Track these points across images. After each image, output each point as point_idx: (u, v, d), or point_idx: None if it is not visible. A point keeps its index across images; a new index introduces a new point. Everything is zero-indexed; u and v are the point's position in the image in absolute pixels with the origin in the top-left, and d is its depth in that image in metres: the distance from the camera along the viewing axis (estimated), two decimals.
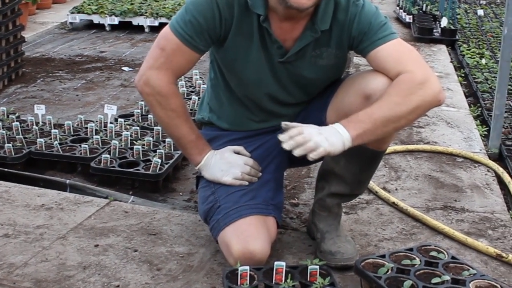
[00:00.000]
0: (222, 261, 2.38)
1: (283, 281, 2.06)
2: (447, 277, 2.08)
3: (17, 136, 3.45)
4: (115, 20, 6.92)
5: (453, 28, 6.44)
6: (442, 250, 2.27)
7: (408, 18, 6.93)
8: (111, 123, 3.63)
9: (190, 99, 4.04)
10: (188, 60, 2.30)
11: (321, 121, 2.29)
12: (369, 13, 2.25)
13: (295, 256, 2.46)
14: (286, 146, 2.11)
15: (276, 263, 2.08)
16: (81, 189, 3.08)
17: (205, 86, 4.21)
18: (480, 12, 7.74)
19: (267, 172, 2.44)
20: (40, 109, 3.76)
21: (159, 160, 3.12)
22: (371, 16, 2.25)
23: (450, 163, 3.47)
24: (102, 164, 3.16)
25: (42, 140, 3.37)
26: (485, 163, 3.45)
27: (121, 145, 3.34)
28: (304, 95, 2.43)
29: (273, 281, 2.07)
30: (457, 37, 6.38)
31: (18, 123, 3.60)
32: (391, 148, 3.53)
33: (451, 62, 5.69)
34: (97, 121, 3.70)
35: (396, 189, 3.11)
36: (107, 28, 6.94)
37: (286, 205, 2.87)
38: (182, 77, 4.29)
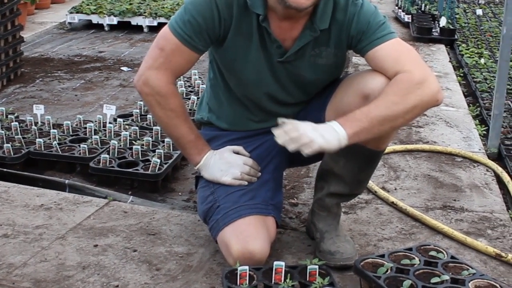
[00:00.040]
0: (221, 261, 2.37)
1: (283, 281, 2.06)
2: (446, 277, 2.08)
3: (16, 136, 3.45)
4: (114, 20, 6.92)
5: (452, 27, 6.44)
6: (441, 250, 2.27)
7: (407, 18, 6.94)
8: (110, 123, 3.62)
9: (189, 99, 4.04)
10: (187, 60, 2.30)
11: (320, 121, 2.28)
12: (368, 12, 2.25)
13: (295, 256, 2.46)
14: (279, 140, 2.10)
15: (275, 263, 2.08)
16: (80, 189, 3.07)
17: (204, 86, 4.21)
18: (479, 11, 7.75)
19: (266, 172, 2.44)
20: (39, 109, 3.76)
21: (158, 160, 3.12)
22: (370, 15, 2.24)
23: (449, 163, 3.47)
24: (101, 164, 3.16)
25: (41, 140, 3.36)
26: (484, 162, 3.45)
27: (120, 145, 3.34)
28: (304, 95, 2.43)
29: (273, 281, 2.07)
30: (456, 37, 6.38)
31: (17, 123, 3.60)
32: (390, 147, 3.53)
33: (450, 61, 5.70)
34: (96, 121, 3.70)
35: (395, 189, 3.11)
36: (106, 28, 6.95)
37: (285, 205, 2.87)
38: (181, 77, 4.30)
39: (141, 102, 3.94)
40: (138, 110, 3.88)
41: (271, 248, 2.31)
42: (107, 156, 3.18)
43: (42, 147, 3.34)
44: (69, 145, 3.41)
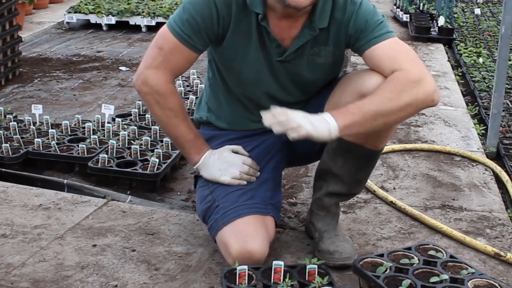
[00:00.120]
0: (220, 260, 2.37)
1: (282, 280, 2.06)
2: (445, 276, 2.08)
3: (14, 136, 3.44)
4: (112, 20, 6.92)
5: (450, 27, 6.44)
6: (440, 249, 2.26)
7: (405, 17, 6.94)
8: (108, 122, 3.62)
9: (188, 98, 4.04)
10: (186, 59, 2.30)
11: None
12: (366, 11, 2.25)
13: (294, 255, 2.46)
14: (266, 122, 2.09)
15: (274, 262, 2.08)
16: (78, 189, 3.07)
17: (202, 85, 4.21)
18: (477, 11, 7.75)
19: (265, 171, 2.43)
20: (37, 109, 3.75)
21: (157, 160, 3.12)
22: (368, 14, 2.24)
23: (448, 162, 3.47)
24: (99, 164, 3.16)
25: (39, 140, 3.36)
26: (483, 162, 3.45)
27: (119, 145, 3.33)
28: (302, 94, 2.43)
29: (272, 281, 2.07)
30: (454, 36, 6.38)
31: (15, 123, 3.59)
32: (389, 147, 3.53)
33: (448, 61, 5.70)
34: (94, 121, 3.70)
35: (394, 188, 3.11)
36: (104, 28, 6.94)
37: (284, 204, 2.87)
38: (180, 76, 4.29)
39: (140, 102, 3.94)
40: (136, 110, 3.88)
41: (270, 247, 2.30)
42: (106, 156, 3.18)
43: (41, 147, 3.34)
44: (67, 145, 3.41)
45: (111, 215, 2.75)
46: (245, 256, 2.18)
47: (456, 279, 2.09)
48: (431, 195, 3.05)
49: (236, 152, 2.43)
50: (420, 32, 6.38)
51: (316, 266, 2.10)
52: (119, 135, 3.42)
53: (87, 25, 7.05)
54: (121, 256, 2.43)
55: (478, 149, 3.66)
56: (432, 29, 6.44)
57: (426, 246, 2.29)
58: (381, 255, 2.21)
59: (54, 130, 3.48)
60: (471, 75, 5.15)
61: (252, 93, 2.40)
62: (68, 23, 7.05)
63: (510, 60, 4.78)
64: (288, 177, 3.22)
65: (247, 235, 2.22)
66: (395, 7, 7.48)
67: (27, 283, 2.24)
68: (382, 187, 3.09)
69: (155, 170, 3.09)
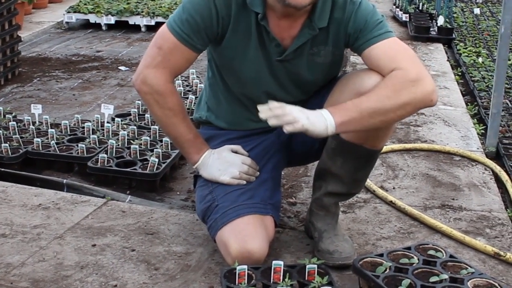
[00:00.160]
0: (220, 260, 2.37)
1: (281, 280, 2.06)
2: (445, 276, 2.08)
3: (13, 136, 3.44)
4: (112, 20, 6.92)
5: (449, 26, 6.44)
6: (440, 249, 2.26)
7: (404, 17, 6.94)
8: (108, 122, 3.62)
9: (187, 98, 4.04)
10: (185, 59, 2.29)
11: None
12: (366, 11, 2.25)
13: (293, 255, 2.46)
14: (262, 115, 2.09)
15: (274, 262, 2.08)
16: (78, 188, 3.07)
17: (202, 85, 4.21)
18: (477, 10, 7.75)
19: (264, 171, 2.43)
20: (36, 109, 3.75)
21: (156, 160, 3.11)
22: (367, 14, 2.24)
23: (447, 162, 3.47)
24: (99, 163, 3.16)
25: (39, 139, 3.36)
26: (483, 161, 3.45)
27: (118, 145, 3.33)
28: (302, 94, 2.43)
29: (271, 280, 2.07)
30: (453, 36, 6.38)
31: (14, 122, 3.59)
32: (388, 147, 3.53)
33: (447, 60, 5.69)
34: (94, 121, 3.70)
35: (394, 188, 3.11)
36: (104, 28, 6.94)
37: (283, 204, 2.87)
38: (179, 76, 4.29)
39: (139, 102, 3.94)
40: (136, 110, 3.88)
41: (269, 247, 2.30)
42: (105, 155, 3.18)
43: (40, 147, 3.34)
44: (67, 145, 3.40)
45: (110, 215, 2.75)
46: (244, 256, 2.18)
47: (456, 278, 2.09)
48: (431, 195, 3.05)
49: (236, 152, 2.43)
50: (419, 32, 6.38)
51: (315, 266, 2.10)
52: (118, 134, 3.42)
53: (86, 25, 7.05)
54: (120, 255, 2.43)
55: (478, 148, 3.66)
56: (431, 29, 6.44)
57: (426, 245, 2.29)
58: (381, 255, 2.21)
59: (53, 130, 3.48)
60: (470, 74, 5.15)
61: (251, 92, 2.40)
62: (67, 22, 7.05)
63: (509, 60, 4.79)
64: (287, 177, 3.22)
65: (246, 235, 2.22)
66: (394, 6, 7.48)
67: (27, 282, 2.24)
68: (381, 187, 3.09)
69: (154, 170, 3.09)
